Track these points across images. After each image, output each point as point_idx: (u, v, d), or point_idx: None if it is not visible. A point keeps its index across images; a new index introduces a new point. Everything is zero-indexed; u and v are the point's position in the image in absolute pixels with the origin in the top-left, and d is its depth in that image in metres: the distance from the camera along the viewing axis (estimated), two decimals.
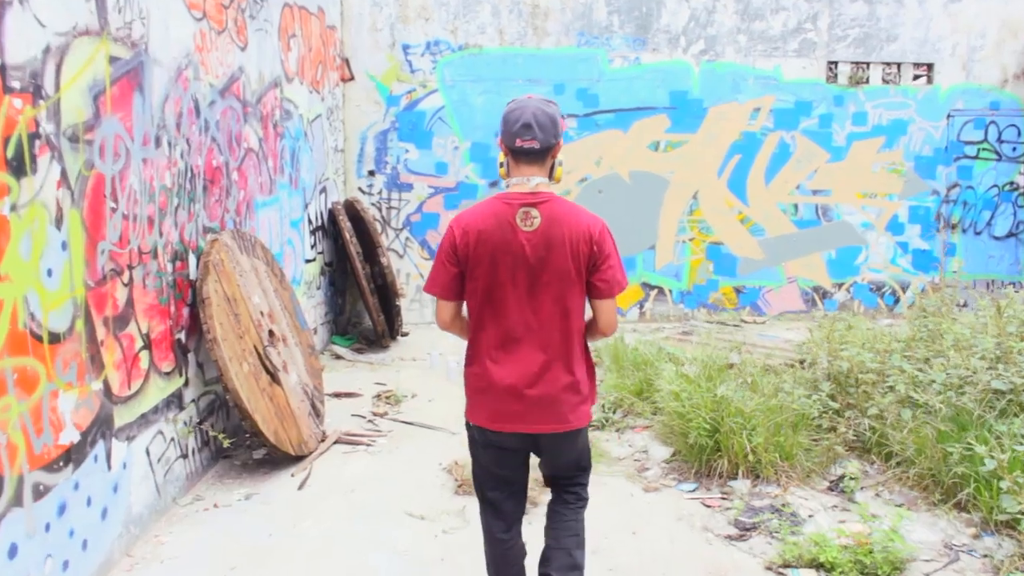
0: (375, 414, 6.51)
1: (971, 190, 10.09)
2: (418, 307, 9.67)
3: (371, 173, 9.54)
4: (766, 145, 9.71)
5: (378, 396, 6.97)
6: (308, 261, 8.01)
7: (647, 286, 9.86)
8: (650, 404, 6.15)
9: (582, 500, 3.30)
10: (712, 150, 9.69)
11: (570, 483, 3.29)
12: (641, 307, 9.88)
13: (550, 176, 3.07)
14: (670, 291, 9.89)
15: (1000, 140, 10.07)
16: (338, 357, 8.24)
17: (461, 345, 3.35)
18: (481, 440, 3.17)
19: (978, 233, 10.18)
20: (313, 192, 8.17)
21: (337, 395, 6.99)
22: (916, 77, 9.90)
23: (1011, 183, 10.14)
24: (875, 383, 5.19)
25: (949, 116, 9.91)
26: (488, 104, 9.47)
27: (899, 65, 9.81)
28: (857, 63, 9.74)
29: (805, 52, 9.65)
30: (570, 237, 2.95)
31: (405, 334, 9.01)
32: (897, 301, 10.15)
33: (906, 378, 5.02)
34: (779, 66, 9.65)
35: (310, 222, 8.11)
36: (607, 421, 6.06)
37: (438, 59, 9.43)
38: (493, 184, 9.56)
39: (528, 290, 2.99)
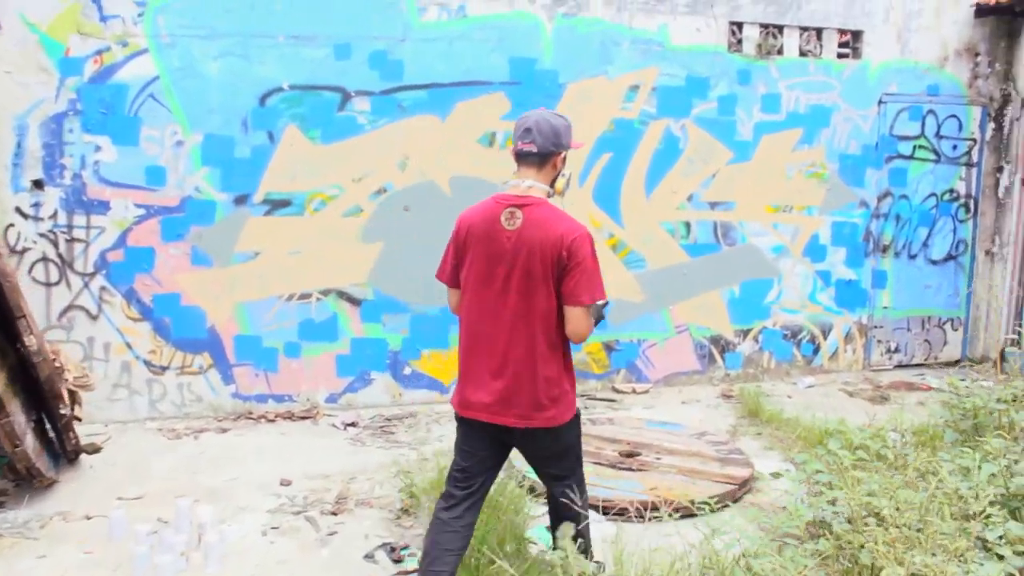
0: None
1: (905, 200, 7.62)
2: (126, 395, 6.11)
3: (37, 184, 5.86)
4: (647, 139, 6.80)
5: None
6: None
7: None
8: None
9: (569, 498, 3.26)
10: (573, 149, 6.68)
11: (551, 479, 3.38)
12: None
13: (552, 185, 3.24)
14: None
15: (939, 135, 7.65)
16: None
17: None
18: (456, 418, 3.36)
19: (912, 256, 7.74)
20: None
21: None
22: (841, 52, 7.28)
23: (951, 191, 7.76)
24: None
25: (881, 102, 7.37)
26: (229, 73, 6.02)
27: (820, 32, 7.14)
28: (767, 26, 6.99)
29: (700, 8, 6.79)
30: (541, 241, 3.08)
31: (95, 449, 5.46)
32: (817, 350, 7.55)
33: None
34: (665, 26, 6.74)
35: None
36: None
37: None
38: (240, 200, 6.13)
39: (502, 286, 3.15)
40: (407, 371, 6.63)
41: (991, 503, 3.04)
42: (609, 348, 6.98)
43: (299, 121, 6.15)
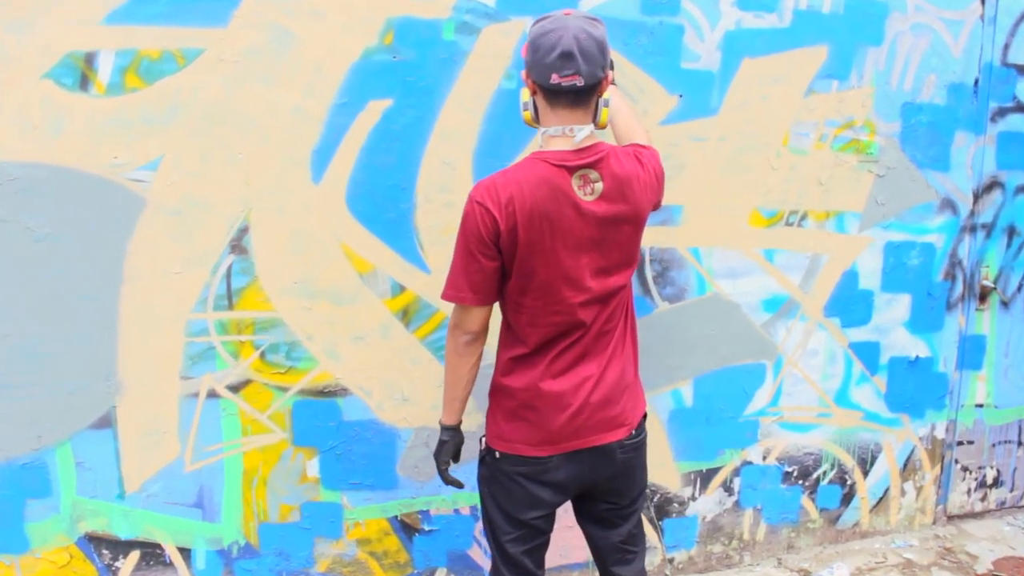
0: None
1: None
2: None
3: None
4: (474, 67, 3.01)
5: None
6: None
7: (90, 544, 2.99)
8: None
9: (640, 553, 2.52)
10: (290, 89, 2.86)
11: (626, 518, 2.46)
12: None
13: (594, 120, 2.18)
14: (185, 552, 3.08)
15: None
16: None
17: None
18: (512, 473, 2.34)
19: None
20: None
21: None
22: None
23: None
24: None
25: (985, 1, 3.62)
26: None
27: None
28: None
29: None
30: (637, 196, 2.22)
31: None
32: (849, 497, 3.85)
33: None
34: None
35: None
36: None
37: None
38: None
39: (593, 276, 2.21)
40: None
41: None
42: (409, 529, 3.24)
43: None
